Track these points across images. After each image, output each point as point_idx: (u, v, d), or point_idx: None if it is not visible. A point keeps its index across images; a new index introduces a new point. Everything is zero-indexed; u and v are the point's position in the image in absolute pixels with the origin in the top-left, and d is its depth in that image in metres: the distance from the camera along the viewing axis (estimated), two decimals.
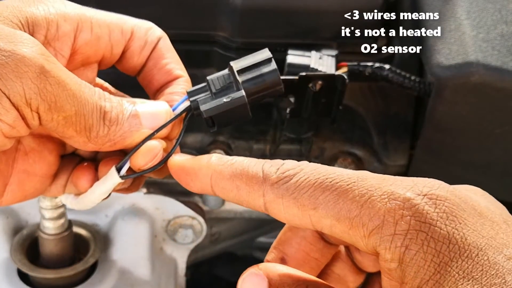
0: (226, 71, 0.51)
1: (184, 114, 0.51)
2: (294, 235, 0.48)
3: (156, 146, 0.50)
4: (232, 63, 0.50)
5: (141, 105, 0.50)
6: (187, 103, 0.51)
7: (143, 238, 0.80)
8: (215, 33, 0.78)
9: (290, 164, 0.42)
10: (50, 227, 0.69)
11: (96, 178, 0.53)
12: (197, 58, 0.80)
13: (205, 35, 0.79)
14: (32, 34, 0.47)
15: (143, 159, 0.50)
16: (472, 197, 0.39)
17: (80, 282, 0.74)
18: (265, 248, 1.04)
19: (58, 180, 0.55)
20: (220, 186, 0.44)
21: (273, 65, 0.50)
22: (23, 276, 0.74)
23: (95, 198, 0.53)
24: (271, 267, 0.41)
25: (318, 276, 0.48)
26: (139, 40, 0.53)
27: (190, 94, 0.51)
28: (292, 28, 0.77)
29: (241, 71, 0.50)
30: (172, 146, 0.51)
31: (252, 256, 1.06)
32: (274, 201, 0.41)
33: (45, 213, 0.68)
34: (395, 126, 0.82)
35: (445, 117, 0.75)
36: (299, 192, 0.40)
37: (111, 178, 0.51)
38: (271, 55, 0.50)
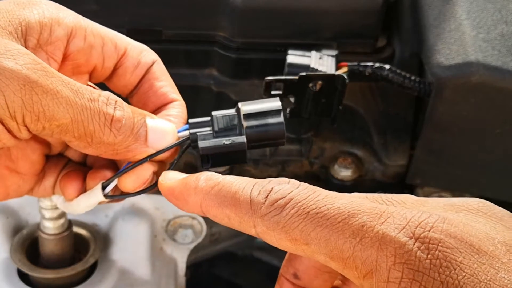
0: (232, 111, 0.49)
1: (177, 137, 0.50)
2: None
3: (148, 172, 0.49)
4: (240, 105, 0.49)
5: (151, 120, 0.48)
6: (187, 132, 0.50)
7: (143, 238, 0.80)
8: (215, 33, 0.78)
9: (279, 192, 0.40)
10: (50, 227, 0.69)
11: (83, 187, 0.52)
12: (197, 58, 0.80)
13: (205, 35, 0.79)
14: (24, 37, 0.46)
15: (133, 183, 0.49)
16: (470, 230, 0.37)
17: (80, 282, 0.74)
18: (265, 248, 1.05)
19: (45, 181, 0.54)
20: (211, 214, 0.43)
21: (280, 118, 0.48)
22: (23, 276, 0.74)
23: (80, 209, 0.52)
24: None
25: (338, 277, 0.47)
26: (132, 59, 0.52)
27: (191, 125, 0.49)
28: (292, 28, 0.77)
29: (248, 116, 0.48)
30: (163, 168, 0.50)
31: (252, 256, 1.05)
32: (265, 232, 0.40)
33: (45, 213, 0.68)
34: (395, 126, 0.82)
35: (445, 117, 0.75)
36: (289, 226, 0.39)
37: (95, 195, 0.50)
38: (281, 107, 0.49)
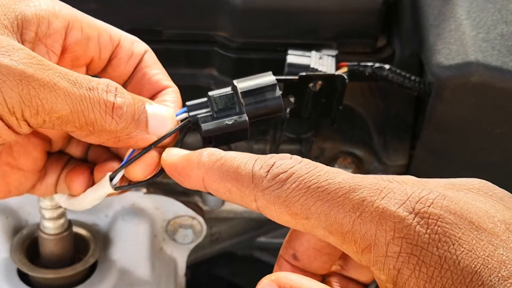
0: (228, 89, 0.50)
1: (178, 121, 0.50)
2: (304, 233, 0.46)
3: (155, 158, 0.49)
4: (236, 83, 0.49)
5: (150, 106, 0.49)
6: (186, 115, 0.50)
7: (143, 238, 0.80)
8: (215, 33, 0.78)
9: (281, 167, 0.40)
10: (50, 227, 0.69)
11: (90, 182, 0.53)
12: (197, 58, 0.80)
13: (205, 35, 0.79)
14: (21, 31, 0.46)
15: (142, 171, 0.49)
16: (470, 207, 0.37)
17: (80, 282, 0.74)
18: (265, 248, 1.05)
19: (47, 178, 0.54)
20: (213, 188, 0.43)
21: (277, 92, 0.49)
22: (23, 276, 0.74)
23: (87, 203, 0.52)
24: (284, 277, 0.39)
25: (337, 263, 0.48)
26: (126, 49, 0.53)
27: (190, 107, 0.50)
28: (292, 28, 0.77)
29: (245, 94, 0.49)
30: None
31: (252, 256, 1.06)
32: (266, 207, 0.40)
33: (45, 213, 0.68)
34: (395, 126, 0.82)
35: (445, 117, 0.75)
36: (290, 200, 0.39)
37: (103, 187, 0.50)
38: (275, 81, 0.49)
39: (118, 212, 0.81)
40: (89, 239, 0.76)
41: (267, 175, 0.40)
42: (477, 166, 0.80)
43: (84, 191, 0.53)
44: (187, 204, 0.84)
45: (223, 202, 0.87)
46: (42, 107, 0.43)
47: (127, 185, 0.51)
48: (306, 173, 0.39)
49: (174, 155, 0.47)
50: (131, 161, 0.49)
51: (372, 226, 0.36)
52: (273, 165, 0.40)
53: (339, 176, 0.39)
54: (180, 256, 0.85)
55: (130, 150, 0.50)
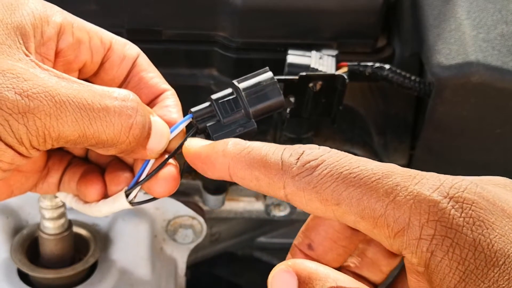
0: (230, 91, 0.50)
1: (184, 129, 0.50)
2: (321, 223, 0.47)
3: (176, 174, 0.48)
4: (237, 83, 0.50)
5: (155, 123, 0.48)
6: (189, 121, 0.50)
7: (143, 238, 0.80)
8: (215, 33, 0.78)
9: (311, 154, 0.40)
10: (50, 227, 0.69)
11: (105, 191, 0.53)
12: (197, 58, 0.80)
13: (205, 35, 0.79)
14: (23, 45, 0.45)
15: (165, 189, 0.48)
16: (501, 196, 0.37)
17: (80, 282, 0.74)
18: (265, 248, 1.05)
19: (49, 178, 0.54)
20: (238, 176, 0.43)
21: (278, 88, 0.50)
22: (23, 276, 0.74)
23: (101, 214, 0.53)
24: (300, 263, 0.39)
25: (350, 261, 0.48)
26: (118, 52, 0.52)
27: (195, 113, 0.50)
28: (292, 28, 0.77)
29: (248, 94, 0.49)
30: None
31: (252, 256, 1.05)
32: (295, 193, 0.40)
33: (45, 213, 0.68)
34: (395, 126, 0.82)
35: (445, 117, 0.75)
36: (321, 186, 0.39)
37: (121, 203, 0.50)
38: (274, 77, 0.50)
39: (118, 212, 0.80)
40: (89, 239, 0.76)
41: (297, 162, 0.40)
42: (477, 166, 0.80)
43: (98, 199, 0.53)
44: (187, 204, 0.84)
45: (223, 201, 0.87)
46: (49, 135, 0.43)
47: (143, 200, 0.51)
48: (337, 161, 0.39)
49: (196, 144, 0.46)
50: (147, 178, 0.48)
51: (406, 209, 0.37)
52: (302, 153, 0.41)
53: (371, 163, 0.39)
54: (180, 256, 0.85)
55: (143, 161, 0.50)
